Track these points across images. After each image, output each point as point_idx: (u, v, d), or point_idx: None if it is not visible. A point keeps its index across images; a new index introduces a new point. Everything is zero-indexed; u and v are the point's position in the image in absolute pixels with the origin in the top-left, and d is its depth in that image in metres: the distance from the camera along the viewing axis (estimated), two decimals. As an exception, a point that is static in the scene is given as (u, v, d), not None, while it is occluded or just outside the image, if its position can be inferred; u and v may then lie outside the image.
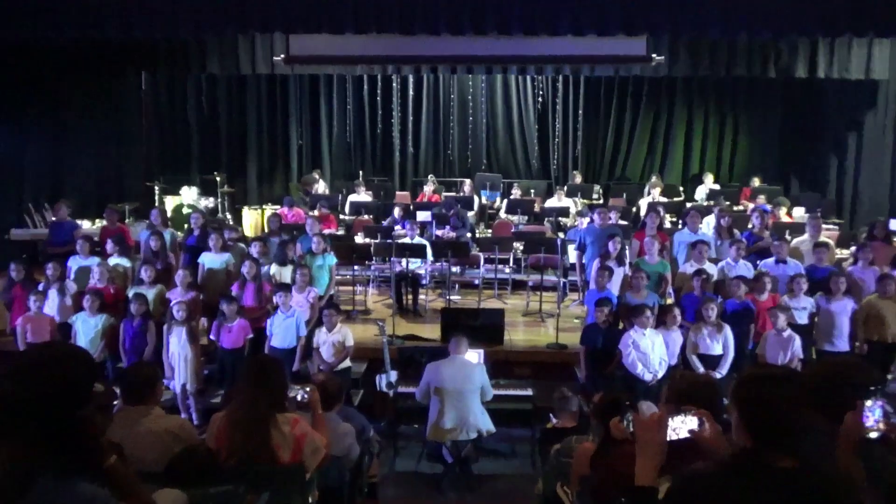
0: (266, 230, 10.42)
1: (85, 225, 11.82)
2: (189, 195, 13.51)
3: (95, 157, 14.69)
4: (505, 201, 13.21)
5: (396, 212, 11.67)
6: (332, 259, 8.67)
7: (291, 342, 7.35)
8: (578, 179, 14.58)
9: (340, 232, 12.02)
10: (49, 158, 13.97)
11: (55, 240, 9.55)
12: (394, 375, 7.28)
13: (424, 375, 6.18)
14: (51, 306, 7.72)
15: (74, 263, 8.47)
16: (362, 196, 13.42)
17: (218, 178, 14.16)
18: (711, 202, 12.67)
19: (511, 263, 11.14)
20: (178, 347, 7.21)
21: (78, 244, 8.55)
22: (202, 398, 7.40)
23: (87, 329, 7.36)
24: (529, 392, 7.22)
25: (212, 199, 13.92)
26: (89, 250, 8.53)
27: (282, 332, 7.36)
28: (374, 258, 10.55)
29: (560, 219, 12.51)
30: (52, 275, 7.85)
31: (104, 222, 10.16)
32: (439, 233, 11.18)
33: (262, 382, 3.68)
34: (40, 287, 7.82)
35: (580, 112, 15.76)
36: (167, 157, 15.68)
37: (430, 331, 8.84)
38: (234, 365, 7.16)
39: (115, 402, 4.02)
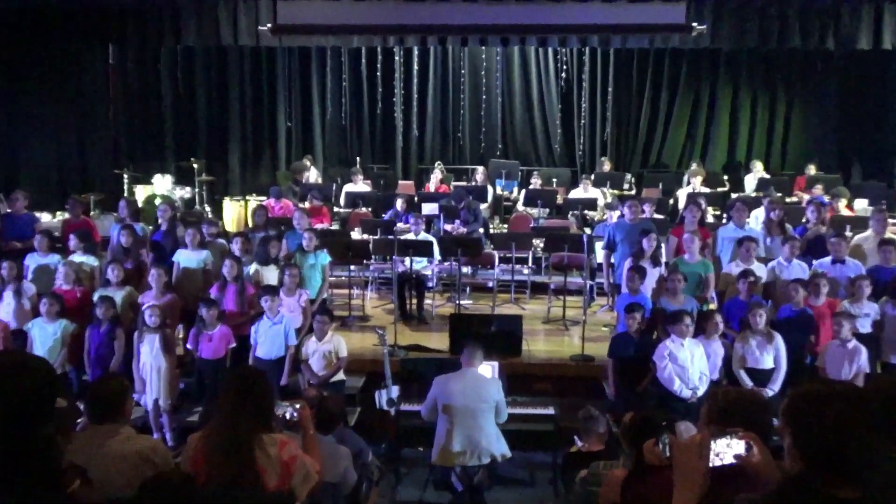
0: (250, 225, 10.45)
1: (44, 218, 11.89)
2: (162, 184, 13.59)
3: (56, 140, 14.80)
4: (523, 192, 13.22)
5: (399, 204, 11.69)
6: (325, 258, 8.70)
7: (279, 352, 7.38)
8: (607, 167, 14.57)
9: (335, 227, 12.03)
10: (2, 142, 14.08)
11: (10, 235, 9.59)
12: (395, 391, 7.30)
13: (431, 390, 6.19)
14: (5, 310, 7.77)
15: (32, 262, 8.53)
16: (360, 186, 13.44)
17: (195, 166, 14.23)
18: (760, 193, 12.63)
19: (530, 263, 11.14)
20: (150, 358, 7.24)
21: (36, 240, 8.61)
22: (177, 416, 7.43)
23: (44, 337, 7.41)
24: (551, 411, 7.22)
25: (188, 188, 13.99)
26: (49, 247, 8.58)
27: (268, 340, 7.39)
28: (373, 257, 10.56)
29: (586, 212, 12.50)
30: (6, 275, 7.90)
31: (66, 215, 10.22)
32: (448, 228, 11.19)
33: (245, 398, 3.69)
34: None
35: (609, 90, 15.75)
36: (138, 141, 15.78)
37: (437, 340, 8.84)
38: (213, 378, 7.20)
39: (79, 420, 4.04)
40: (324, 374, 7.26)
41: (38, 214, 10.77)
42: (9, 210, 9.82)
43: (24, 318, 7.74)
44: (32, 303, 7.83)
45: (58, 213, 12.79)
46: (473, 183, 13.61)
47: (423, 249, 9.73)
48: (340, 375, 7.39)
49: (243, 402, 3.67)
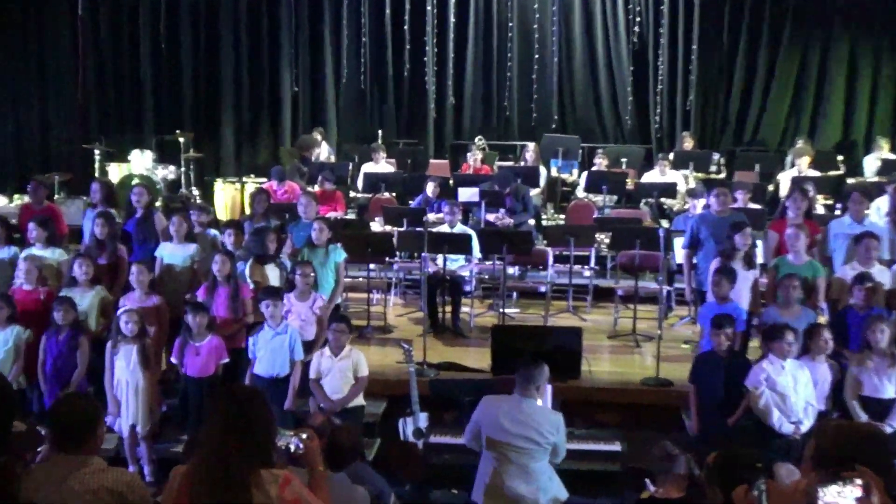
0: (247, 212, 10.53)
1: (0, 202, 12.11)
2: (141, 162, 13.75)
3: (12, 109, 15.06)
4: (584, 175, 13.16)
5: (430, 188, 11.70)
6: (338, 254, 8.73)
7: (282, 369, 7.42)
8: (690, 144, 14.46)
9: (351, 216, 12.09)
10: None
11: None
12: (423, 419, 7.30)
13: (477, 411, 6.15)
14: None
15: (-16, 255, 8.65)
16: (382, 166, 13.48)
17: (181, 140, 14.38)
18: (884, 178, 12.44)
19: (592, 263, 11.08)
20: (126, 374, 7.31)
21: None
22: (158, 445, 7.51)
23: (-6, 347, 7.55)
24: (617, 447, 7.17)
25: (172, 168, 14.14)
26: (5, 238, 8.69)
27: (269, 354, 7.43)
28: (397, 254, 10.58)
29: (663, 200, 12.40)
30: (-47, 272, 8.05)
31: (25, 199, 10.37)
32: (490, 218, 11.18)
33: (238, 425, 3.70)
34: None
35: (694, 48, 15.64)
36: (111, 109, 16.00)
37: (476, 357, 8.83)
38: (201, 400, 7.25)
39: (39, 449, 4.10)
40: (339, 397, 7.28)
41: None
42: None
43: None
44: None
45: (15, 196, 13.03)
46: (522, 163, 13.58)
47: (459, 245, 9.71)
48: (359, 399, 7.42)
49: (236, 430, 3.68)
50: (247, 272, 8.29)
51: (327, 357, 7.37)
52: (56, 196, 12.78)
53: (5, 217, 9.27)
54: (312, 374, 7.38)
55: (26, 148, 15.40)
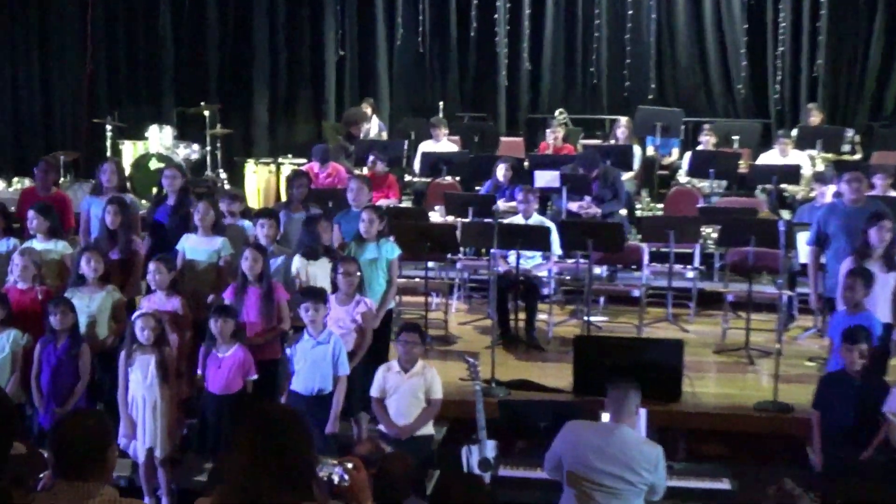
0: (283, 199, 10.60)
1: (-4, 186, 12.38)
2: (160, 140, 13.95)
3: (12, 78, 15.31)
4: (687, 155, 13.07)
5: (501, 171, 11.68)
6: (391, 249, 8.73)
7: (323, 385, 7.43)
8: (817, 119, 14.24)
9: (406, 204, 12.12)
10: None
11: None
12: (491, 448, 7.28)
13: (558, 438, 6.13)
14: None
15: (-22, 249, 8.84)
16: (443, 144, 13.49)
17: (206, 114, 14.56)
18: None
19: (696, 263, 10.99)
20: (142, 389, 7.37)
21: (-16, 218, 8.91)
22: (179, 472, 7.59)
23: (-11, 354, 7.70)
24: (726, 485, 7.08)
25: (196, 146, 14.31)
26: (3, 227, 8.85)
27: (308, 368, 7.45)
28: (461, 250, 10.58)
29: (784, 187, 12.24)
30: (-55, 268, 8.23)
31: (28, 183, 10.55)
32: (573, 207, 11.14)
33: (271, 452, 3.71)
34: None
35: (822, 1, 15.39)
36: (125, 79, 16.20)
37: (556, 374, 8.83)
38: (227, 420, 7.33)
39: (41, 475, 4.18)
40: (406, 422, 7.29)
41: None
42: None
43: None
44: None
45: (14, 180, 13.25)
46: (612, 141, 13.53)
47: (535, 239, 9.69)
48: (428, 427, 7.43)
49: (269, 458, 3.69)
50: (293, 269, 8.35)
51: (395, 373, 7.39)
52: (62, 179, 12.97)
53: (3, 204, 9.36)
54: (375, 393, 7.41)
55: (26, 124, 15.67)
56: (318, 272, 8.30)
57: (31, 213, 8.80)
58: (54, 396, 7.52)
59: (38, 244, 8.67)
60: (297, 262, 8.38)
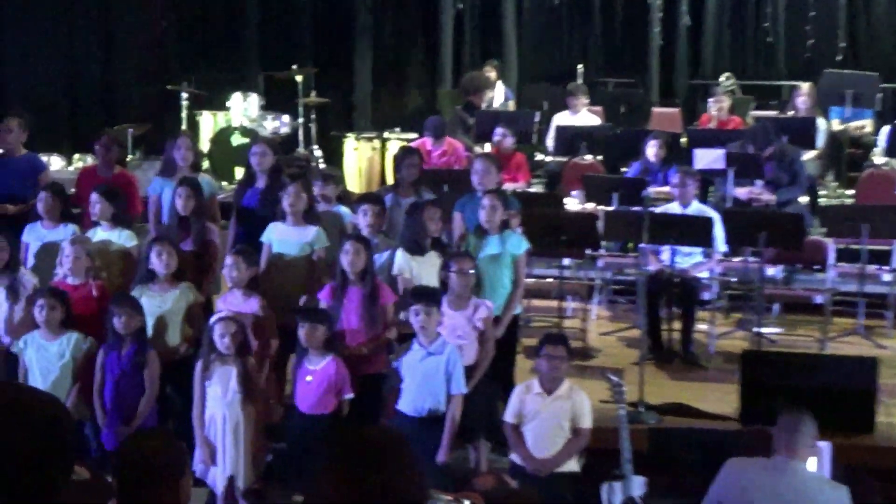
0: (389, 181, 10.62)
1: (54, 164, 12.59)
2: (244, 110, 14.14)
3: (68, 39, 15.61)
4: (885, 131, 12.86)
5: (653, 149, 11.57)
6: (518, 243, 8.69)
7: (435, 405, 7.46)
8: None
9: (537, 188, 12.07)
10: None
11: (1, 191, 10.18)
12: (639, 485, 7.22)
13: (716, 483, 6.07)
14: (-2, 317, 8.29)
15: (34, 237, 9.02)
16: (583, 116, 13.43)
17: (298, 79, 14.68)
18: None
19: None
20: (222, 407, 7.48)
21: (41, 201, 9.06)
22: (262, 505, 7.70)
23: (44, 361, 7.79)
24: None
25: (286, 118, 14.47)
26: (60, 213, 9.03)
27: (418, 384, 7.48)
28: (603, 244, 10.51)
29: None
30: (-7, 258, 8.40)
31: (90, 161, 10.72)
32: (741, 194, 11.02)
33: (370, 485, 3.71)
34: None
35: None
36: (203, 38, 16.42)
37: (718, 397, 8.78)
38: (310, 446, 7.33)
39: (105, 505, 4.22)
40: (547, 454, 7.27)
41: (44, 158, 11.35)
42: (-1, 150, 10.36)
43: (19, 329, 8.14)
44: (32, 304, 8.19)
45: (75, 157, 13.51)
46: (791, 113, 13.33)
47: (694, 232, 9.63)
48: (572, 463, 7.39)
49: (366, 493, 3.70)
50: (395, 267, 8.35)
51: (535, 395, 7.38)
52: (129, 157, 13.20)
53: (60, 186, 9.53)
54: (510, 418, 7.41)
55: (86, 92, 15.97)
56: (424, 270, 8.33)
57: (94, 197, 8.95)
58: (118, 412, 7.64)
59: (101, 233, 8.84)
60: (400, 257, 8.39)
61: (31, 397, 2.41)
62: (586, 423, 7.33)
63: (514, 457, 7.38)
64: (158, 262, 8.05)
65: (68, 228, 8.91)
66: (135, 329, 7.61)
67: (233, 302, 7.96)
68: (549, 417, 7.30)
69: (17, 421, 2.26)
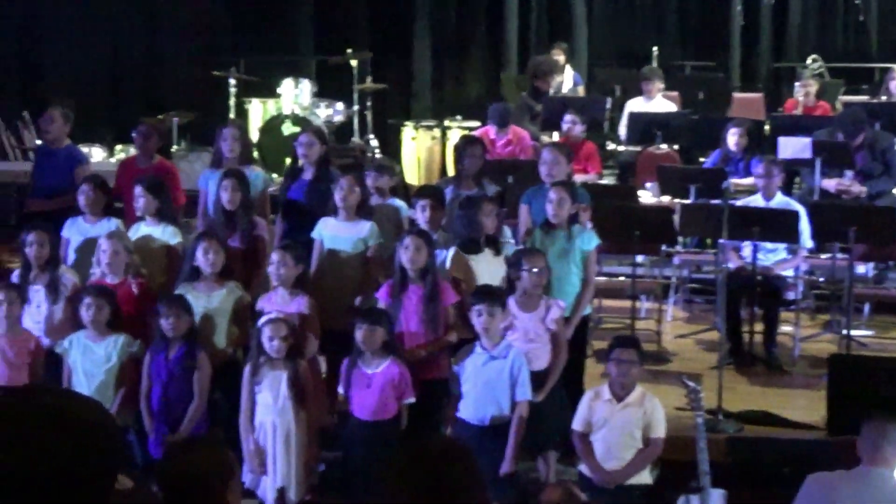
0: (450, 173, 10.64)
1: (95, 156, 12.73)
2: (296, 97, 14.21)
3: (110, 22, 15.74)
4: None
5: (733, 137, 11.51)
6: (589, 239, 8.68)
7: (499, 412, 7.45)
8: None
9: (608, 180, 12.04)
10: (21, 25, 15.13)
11: (41, 184, 10.36)
12: (718, 498, 7.19)
13: (800, 500, 6.04)
14: (34, 317, 8.31)
15: (75, 232, 9.10)
16: (657, 102, 13.39)
17: (353, 64, 14.71)
18: None
19: None
20: (272, 414, 7.52)
21: (82, 194, 9.15)
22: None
23: (88, 364, 7.85)
24: None
25: (340, 105, 14.51)
26: (103, 206, 9.13)
27: (480, 390, 7.47)
28: (679, 240, 10.47)
29: None
30: (34, 255, 8.41)
31: (130, 151, 10.82)
32: (830, 185, 10.97)
33: (429, 497, 3.74)
34: (13, 278, 8.47)
35: None
36: (252, 21, 16.49)
37: (803, 404, 8.76)
38: (372, 455, 7.35)
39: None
40: (616, 465, 7.25)
41: (84, 149, 11.48)
42: (38, 141, 10.46)
43: (60, 330, 8.24)
44: (72, 304, 8.28)
45: (118, 148, 13.65)
46: (884, 98, 13.25)
47: (778, 227, 9.58)
48: (643, 475, 7.34)
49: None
50: (448, 263, 8.36)
51: (605, 401, 7.34)
52: (174, 148, 13.31)
53: (102, 178, 9.59)
54: (578, 426, 7.39)
55: (128, 79, 16.11)
56: (480, 268, 8.32)
57: (137, 191, 9.02)
58: (165, 419, 7.68)
59: (145, 228, 8.92)
60: (453, 256, 8.36)
61: (73, 402, 2.42)
62: (660, 432, 7.28)
63: (583, 468, 7.37)
64: (204, 259, 8.08)
65: (111, 223, 8.98)
66: (184, 331, 7.65)
67: (276, 302, 7.95)
68: (619, 426, 7.26)
69: (59, 427, 2.27)
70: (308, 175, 9.43)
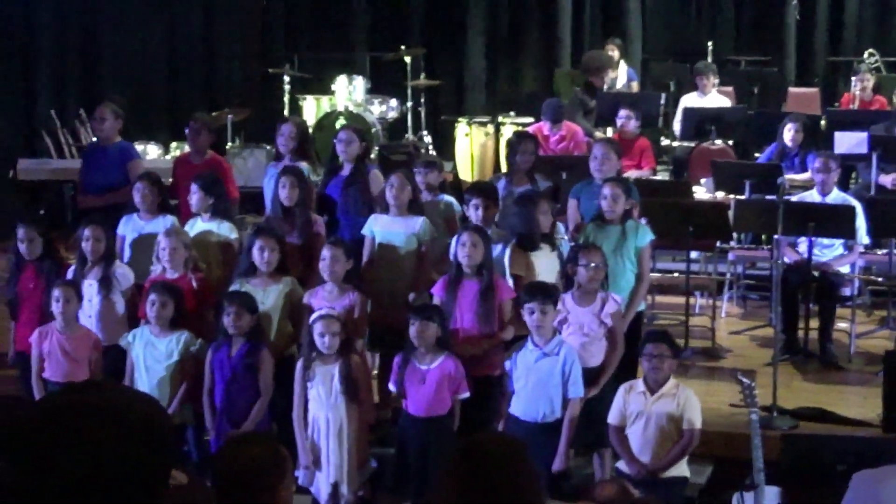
0: (504, 169, 10.62)
1: (150, 153, 12.81)
2: (349, 94, 14.23)
3: (168, 20, 15.82)
4: None
5: (788, 132, 11.45)
6: (643, 234, 8.64)
7: (551, 409, 7.44)
8: None
9: (662, 176, 11.99)
10: (76, 22, 15.23)
11: (92, 181, 10.42)
12: (772, 496, 7.17)
13: (848, 500, 6.00)
14: (85, 310, 8.38)
15: (130, 229, 9.17)
16: (712, 97, 13.32)
17: (407, 60, 14.73)
18: None
19: None
20: (325, 409, 7.53)
21: (137, 191, 9.19)
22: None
23: (150, 359, 7.91)
24: None
25: (394, 102, 14.52)
26: (158, 203, 9.18)
27: (532, 387, 7.45)
28: (734, 236, 10.44)
29: None
30: (90, 249, 8.50)
31: (185, 147, 10.88)
32: (887, 181, 10.91)
33: (486, 496, 3.74)
34: (70, 274, 8.52)
35: None
36: (307, 18, 16.53)
37: (859, 401, 8.72)
38: (427, 452, 7.38)
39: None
40: (652, 460, 7.23)
41: (139, 146, 11.57)
42: (94, 138, 10.53)
43: (117, 328, 8.33)
44: (130, 300, 8.41)
45: (173, 145, 13.73)
46: (945, 93, 13.08)
47: (835, 223, 9.54)
48: (681, 467, 7.32)
49: (484, 501, 3.71)
50: (505, 260, 8.33)
51: (639, 394, 7.33)
52: (228, 145, 13.36)
53: (157, 175, 9.64)
54: (613, 420, 7.37)
55: (184, 76, 16.17)
56: (538, 265, 8.29)
57: (193, 188, 9.07)
58: (227, 416, 7.70)
59: (201, 224, 8.97)
60: (511, 252, 8.33)
61: (126, 397, 2.45)
62: (695, 423, 7.22)
63: (620, 463, 7.36)
64: (260, 256, 8.10)
65: (166, 220, 9.02)
66: (247, 328, 7.66)
67: (325, 298, 7.96)
68: (653, 418, 7.22)
69: (113, 422, 2.30)
70: (346, 171, 9.45)
